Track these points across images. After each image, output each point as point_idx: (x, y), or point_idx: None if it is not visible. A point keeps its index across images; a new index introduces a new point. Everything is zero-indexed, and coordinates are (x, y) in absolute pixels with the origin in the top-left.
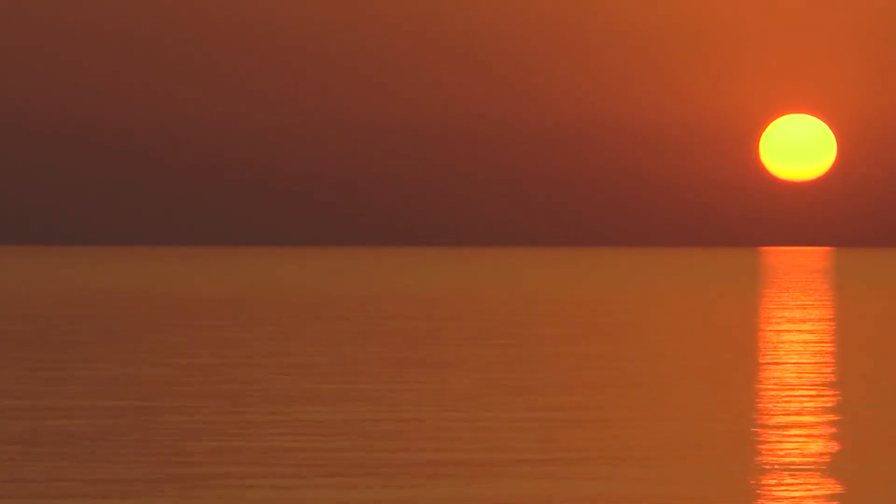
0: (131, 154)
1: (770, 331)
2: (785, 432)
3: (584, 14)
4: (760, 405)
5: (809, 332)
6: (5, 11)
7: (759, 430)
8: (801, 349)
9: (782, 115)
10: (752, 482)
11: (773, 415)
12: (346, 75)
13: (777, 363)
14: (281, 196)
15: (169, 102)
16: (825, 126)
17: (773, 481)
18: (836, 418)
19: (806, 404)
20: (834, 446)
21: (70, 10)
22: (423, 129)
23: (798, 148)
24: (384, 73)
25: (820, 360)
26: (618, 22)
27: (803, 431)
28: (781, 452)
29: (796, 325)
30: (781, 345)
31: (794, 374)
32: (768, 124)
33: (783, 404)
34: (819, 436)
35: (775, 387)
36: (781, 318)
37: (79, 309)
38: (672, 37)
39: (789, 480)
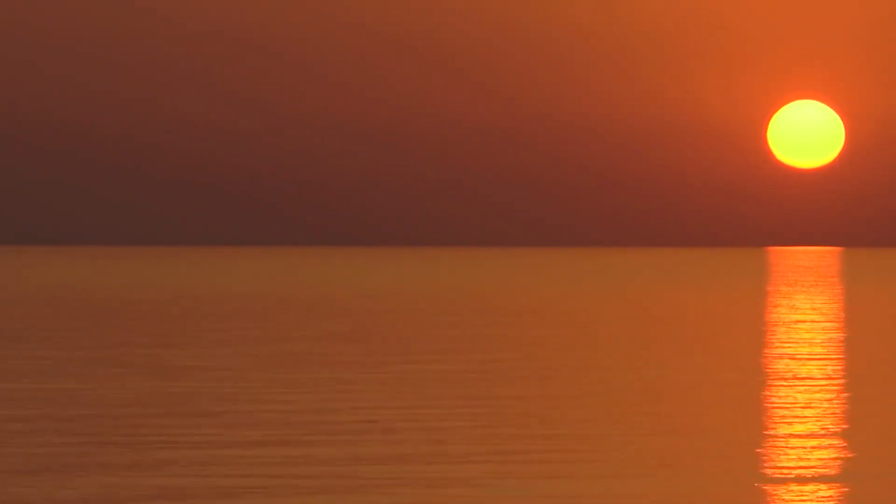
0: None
1: (778, 334)
2: (791, 439)
3: (585, 15)
4: (766, 413)
5: (818, 335)
6: None
7: (766, 436)
8: (811, 356)
9: (788, 102)
10: (758, 490)
11: (780, 423)
12: (332, 81)
13: (787, 370)
14: (248, 198)
15: (140, 105)
16: (833, 112)
17: (781, 490)
18: (845, 425)
19: (813, 410)
20: (842, 453)
21: (68, 17)
22: (414, 134)
23: (806, 135)
24: (365, 78)
25: (827, 367)
26: (618, 22)
27: (810, 441)
28: (787, 459)
29: (807, 328)
30: (790, 352)
31: (802, 386)
32: (774, 112)
33: (790, 410)
34: (825, 441)
35: (782, 396)
36: (790, 322)
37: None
38: (673, 30)
39: (796, 489)
